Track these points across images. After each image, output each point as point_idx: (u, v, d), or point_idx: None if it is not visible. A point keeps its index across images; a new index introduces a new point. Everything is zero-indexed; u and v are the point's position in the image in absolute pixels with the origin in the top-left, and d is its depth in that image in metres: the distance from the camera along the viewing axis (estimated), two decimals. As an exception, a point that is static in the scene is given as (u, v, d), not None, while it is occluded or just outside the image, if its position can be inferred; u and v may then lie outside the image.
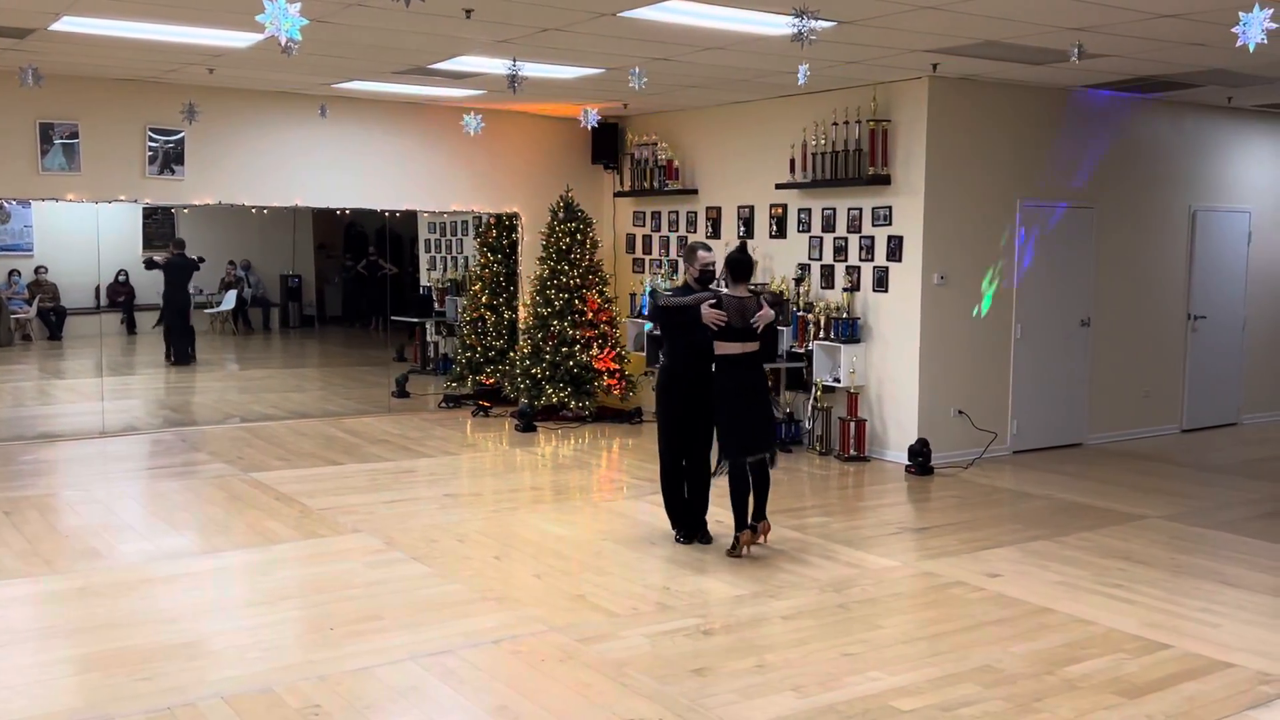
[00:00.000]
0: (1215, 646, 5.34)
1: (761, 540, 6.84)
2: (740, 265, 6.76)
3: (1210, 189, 11.54)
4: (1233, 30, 4.86)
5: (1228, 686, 4.86)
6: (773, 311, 6.84)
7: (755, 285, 6.93)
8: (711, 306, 6.59)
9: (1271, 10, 4.77)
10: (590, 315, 11.43)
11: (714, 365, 6.73)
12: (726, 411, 6.71)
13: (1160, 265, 11.20)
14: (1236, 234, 11.83)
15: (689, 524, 7.04)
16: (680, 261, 10.81)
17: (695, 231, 11.69)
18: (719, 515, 7.46)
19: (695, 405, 6.84)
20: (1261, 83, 9.50)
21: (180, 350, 14.51)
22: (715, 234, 11.39)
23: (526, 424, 10.99)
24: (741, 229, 11.08)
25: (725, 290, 6.77)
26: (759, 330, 6.70)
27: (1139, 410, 11.14)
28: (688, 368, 6.81)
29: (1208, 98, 10.70)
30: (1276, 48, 7.00)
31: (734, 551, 6.71)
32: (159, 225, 14.89)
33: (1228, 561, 6.84)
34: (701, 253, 6.92)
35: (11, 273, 15.05)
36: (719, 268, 7.00)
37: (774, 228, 10.75)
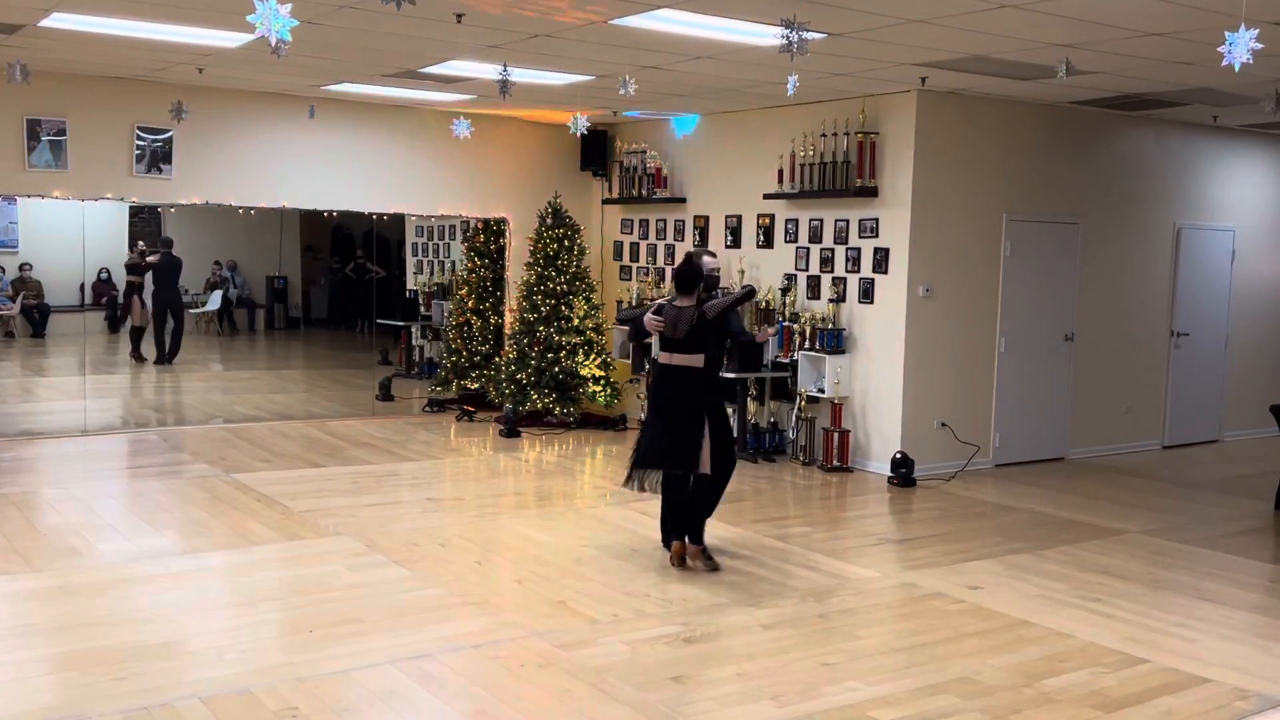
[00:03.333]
0: (1193, 662, 5.37)
1: (694, 562, 6.65)
2: (681, 276, 6.68)
3: (1195, 207, 11.61)
4: (1219, 50, 4.90)
5: (1204, 701, 4.89)
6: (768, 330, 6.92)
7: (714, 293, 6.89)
8: (654, 314, 6.64)
9: (1257, 30, 4.80)
10: (577, 321, 11.44)
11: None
12: (651, 420, 6.73)
13: (1144, 282, 11.26)
14: (1221, 252, 11.91)
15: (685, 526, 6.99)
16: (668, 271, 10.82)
17: (683, 240, 11.71)
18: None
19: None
20: (1246, 102, 9.56)
21: (160, 349, 14.45)
22: (703, 242, 11.40)
23: (511, 429, 10.98)
24: (729, 238, 11.11)
25: (669, 301, 6.73)
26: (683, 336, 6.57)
27: (1121, 425, 11.19)
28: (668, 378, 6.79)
29: (1194, 116, 10.77)
30: (1261, 68, 7.06)
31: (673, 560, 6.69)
32: (145, 224, 14.84)
33: (1206, 577, 6.87)
34: (706, 259, 6.90)
35: None
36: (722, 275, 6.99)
37: (761, 237, 10.77)
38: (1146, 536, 7.85)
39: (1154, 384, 11.46)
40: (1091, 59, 7.74)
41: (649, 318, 6.62)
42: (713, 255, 7.07)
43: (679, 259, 6.98)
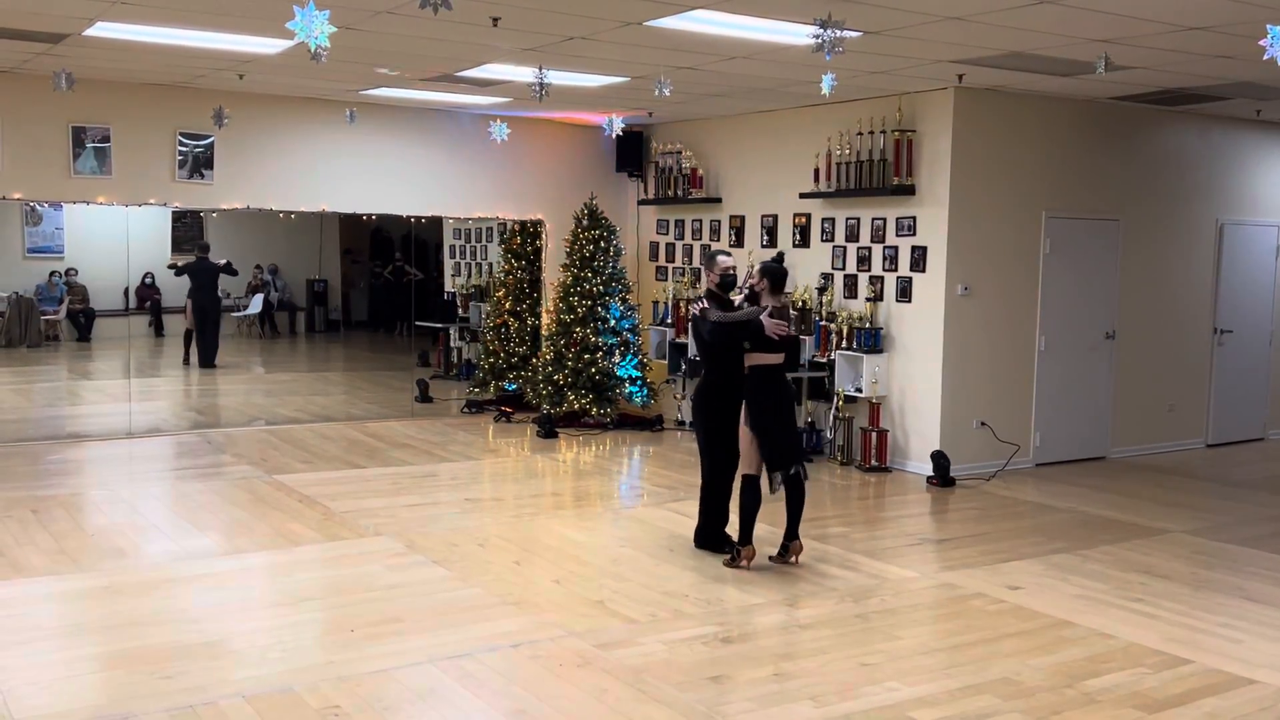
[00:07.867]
0: (1237, 662, 5.31)
1: (794, 560, 6.79)
2: (780, 275, 6.71)
3: (1238, 202, 11.46)
4: (1260, 43, 4.84)
5: (1249, 703, 4.83)
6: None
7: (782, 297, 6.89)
8: (769, 317, 6.51)
9: (1299, 23, 4.75)
10: (613, 322, 11.47)
11: (750, 377, 6.61)
12: (771, 422, 6.59)
13: (1186, 278, 11.13)
14: (1264, 248, 11.74)
15: (710, 537, 7.03)
16: (701, 270, 10.78)
17: (719, 240, 11.71)
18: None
19: (733, 419, 6.79)
20: (1290, 96, 9.44)
21: (205, 353, 14.61)
22: (739, 243, 11.40)
23: (548, 430, 11.02)
24: (765, 238, 11.09)
25: (765, 301, 6.65)
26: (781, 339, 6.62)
27: (1163, 424, 11.06)
28: (728, 382, 6.74)
29: (1236, 110, 10.63)
30: (1305, 61, 6.97)
31: (734, 563, 6.68)
32: (188, 229, 15.04)
33: (1251, 577, 6.79)
34: (721, 259, 6.94)
35: (53, 274, 15.26)
36: (741, 275, 7.05)
37: (798, 237, 10.75)
38: (1190, 536, 7.76)
39: (1197, 381, 11.32)
40: (1131, 54, 7.66)
41: (771, 322, 6.46)
42: (728, 254, 7.02)
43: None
